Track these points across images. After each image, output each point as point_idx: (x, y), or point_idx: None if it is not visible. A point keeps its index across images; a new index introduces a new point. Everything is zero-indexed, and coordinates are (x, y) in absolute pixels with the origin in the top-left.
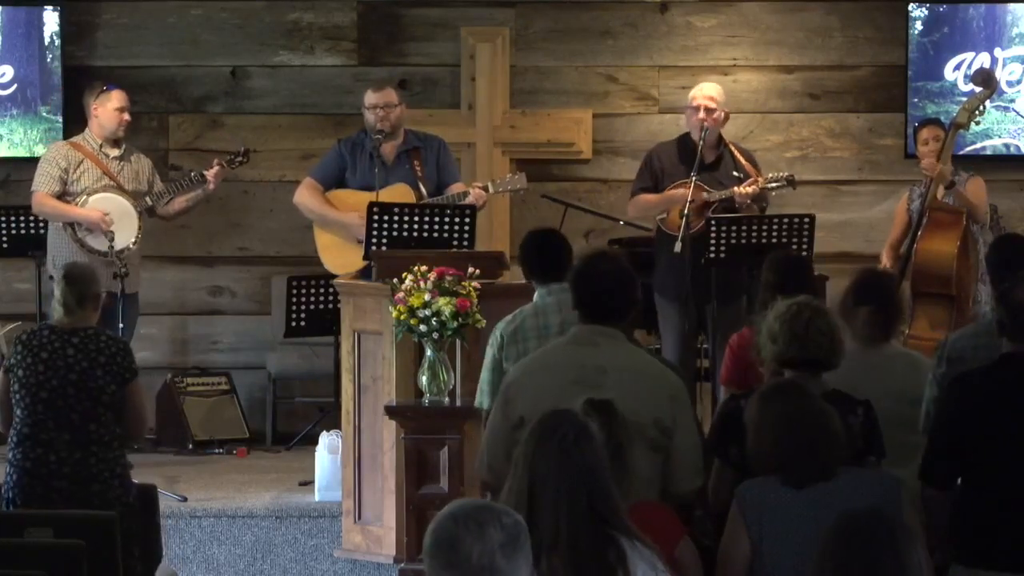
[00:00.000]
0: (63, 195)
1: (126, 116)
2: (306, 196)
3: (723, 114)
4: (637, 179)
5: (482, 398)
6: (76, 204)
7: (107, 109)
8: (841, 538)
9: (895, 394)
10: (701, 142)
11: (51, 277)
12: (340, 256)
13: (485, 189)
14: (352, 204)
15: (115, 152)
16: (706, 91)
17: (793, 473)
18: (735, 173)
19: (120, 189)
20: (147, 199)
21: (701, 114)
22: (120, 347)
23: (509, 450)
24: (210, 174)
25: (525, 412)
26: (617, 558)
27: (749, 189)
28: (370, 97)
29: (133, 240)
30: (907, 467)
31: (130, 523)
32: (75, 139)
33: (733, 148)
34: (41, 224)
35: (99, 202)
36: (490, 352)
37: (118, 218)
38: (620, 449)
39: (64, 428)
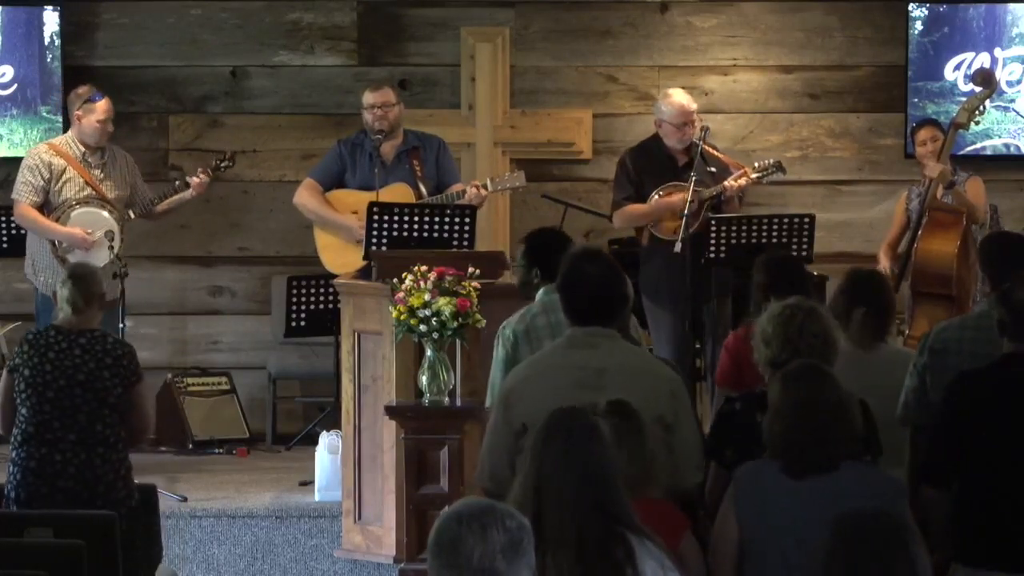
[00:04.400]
0: (44, 205)
1: (109, 127)
2: (305, 197)
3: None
4: (618, 189)
5: (493, 398)
6: (58, 217)
7: (90, 120)
8: (850, 537)
9: (891, 394)
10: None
11: (32, 284)
12: (340, 256)
13: (484, 187)
14: (351, 204)
15: (98, 160)
16: (691, 106)
17: (797, 461)
18: (710, 169)
19: (102, 199)
20: (130, 213)
21: (691, 129)
22: (126, 350)
23: (512, 458)
24: (194, 183)
25: (527, 419)
26: (625, 555)
27: (741, 182)
28: (368, 97)
29: (116, 253)
30: (904, 465)
31: (133, 525)
32: (56, 142)
33: (704, 146)
34: None
35: (81, 218)
36: (501, 351)
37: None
38: (641, 446)
39: (70, 428)
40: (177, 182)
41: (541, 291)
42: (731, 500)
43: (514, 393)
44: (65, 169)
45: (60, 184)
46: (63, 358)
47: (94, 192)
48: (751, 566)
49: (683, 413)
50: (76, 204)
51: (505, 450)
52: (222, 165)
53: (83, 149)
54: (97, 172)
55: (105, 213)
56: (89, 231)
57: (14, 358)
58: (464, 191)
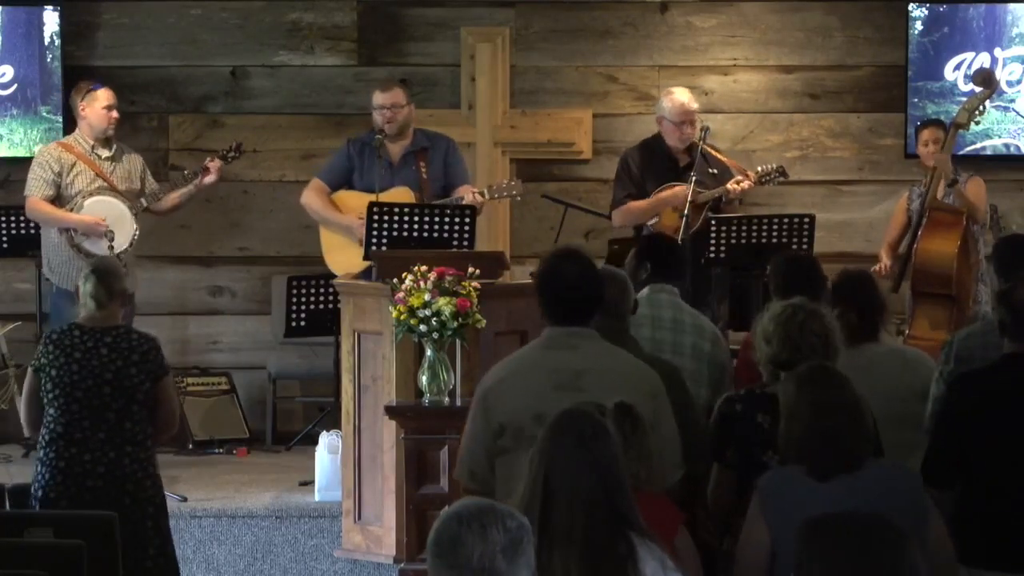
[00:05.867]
0: (57, 199)
1: (114, 114)
2: (311, 198)
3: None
4: (619, 187)
5: None
6: (71, 208)
7: (95, 109)
8: (828, 543)
9: (883, 392)
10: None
11: (47, 279)
12: (344, 257)
13: (482, 194)
14: (355, 206)
15: (107, 152)
16: (692, 105)
17: (820, 463)
18: (711, 170)
19: (113, 190)
20: (141, 201)
21: (690, 129)
22: (151, 344)
23: (491, 457)
24: (213, 167)
25: (505, 419)
26: (628, 553)
27: (744, 185)
28: (377, 97)
29: (130, 242)
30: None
31: (159, 522)
32: (66, 140)
33: (705, 147)
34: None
35: (94, 206)
36: None
37: (114, 221)
38: (646, 446)
39: (99, 427)
40: (186, 172)
41: (647, 288)
42: (758, 508)
43: (492, 393)
44: (75, 163)
45: (71, 177)
46: (90, 358)
47: (105, 183)
48: (781, 569)
49: (662, 412)
50: (88, 195)
51: (483, 448)
52: (229, 156)
53: (91, 143)
54: (106, 164)
55: (118, 201)
56: (102, 218)
57: (39, 357)
58: (463, 197)
